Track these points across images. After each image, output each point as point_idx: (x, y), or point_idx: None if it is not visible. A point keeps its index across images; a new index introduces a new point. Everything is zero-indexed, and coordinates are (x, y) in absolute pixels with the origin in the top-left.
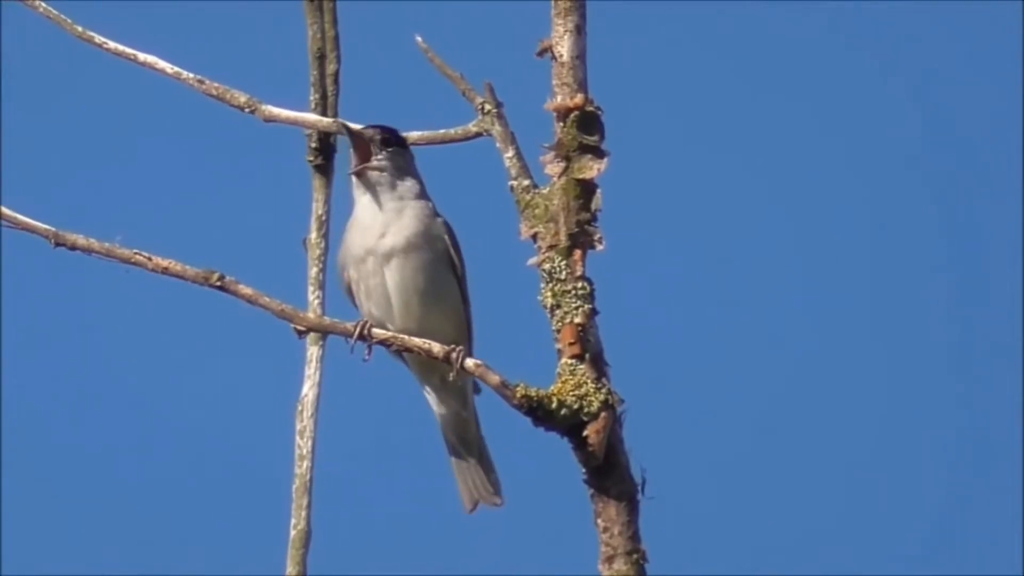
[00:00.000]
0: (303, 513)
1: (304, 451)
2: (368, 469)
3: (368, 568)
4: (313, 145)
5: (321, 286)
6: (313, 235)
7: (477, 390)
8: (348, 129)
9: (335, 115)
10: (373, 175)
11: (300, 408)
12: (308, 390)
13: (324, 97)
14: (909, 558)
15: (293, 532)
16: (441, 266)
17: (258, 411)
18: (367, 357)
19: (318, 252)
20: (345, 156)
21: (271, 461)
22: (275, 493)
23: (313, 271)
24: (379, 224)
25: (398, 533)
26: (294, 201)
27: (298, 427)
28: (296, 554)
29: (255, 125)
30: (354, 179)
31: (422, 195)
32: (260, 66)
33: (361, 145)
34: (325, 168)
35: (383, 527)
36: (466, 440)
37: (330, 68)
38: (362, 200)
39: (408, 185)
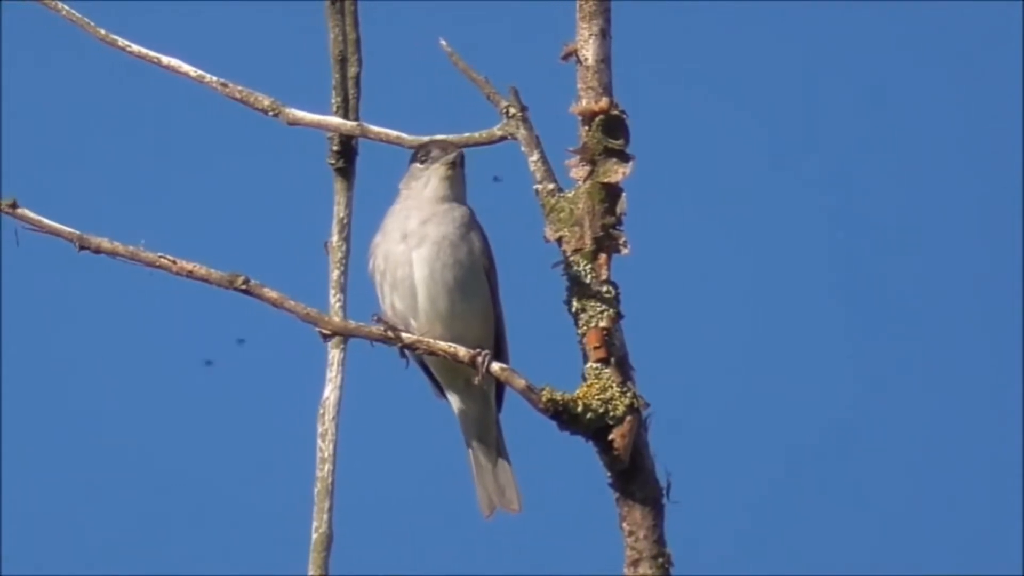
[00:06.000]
0: (324, 516)
1: (325, 454)
2: (389, 472)
3: (390, 571)
4: (335, 148)
5: (342, 289)
6: (335, 238)
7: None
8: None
9: (357, 118)
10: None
11: (321, 411)
12: (329, 393)
13: (346, 100)
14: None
15: (314, 535)
16: (474, 266)
17: (279, 414)
18: (406, 365)
19: (340, 255)
20: (369, 160)
21: (292, 464)
22: (296, 496)
23: (334, 274)
24: (424, 215)
25: (420, 536)
26: (316, 204)
27: (319, 430)
28: (317, 557)
29: (274, 128)
30: (448, 170)
31: (464, 203)
32: (281, 69)
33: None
34: (347, 171)
35: (404, 530)
36: (486, 443)
37: (352, 71)
38: (418, 194)
39: (459, 195)
